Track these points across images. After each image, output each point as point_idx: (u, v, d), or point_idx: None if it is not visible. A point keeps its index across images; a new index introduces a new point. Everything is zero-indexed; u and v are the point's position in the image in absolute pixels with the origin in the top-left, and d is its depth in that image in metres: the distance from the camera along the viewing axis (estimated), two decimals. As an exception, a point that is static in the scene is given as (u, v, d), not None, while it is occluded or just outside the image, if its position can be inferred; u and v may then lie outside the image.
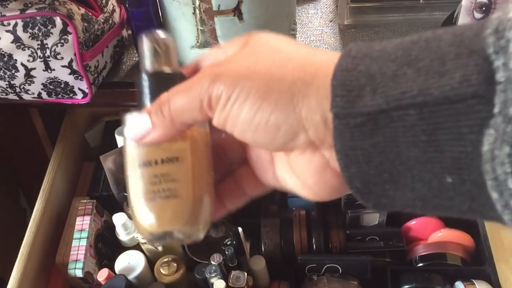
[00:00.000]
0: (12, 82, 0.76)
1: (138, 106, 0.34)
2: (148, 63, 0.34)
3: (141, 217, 0.32)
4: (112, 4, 0.83)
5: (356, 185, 0.28)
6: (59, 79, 0.76)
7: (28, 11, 0.71)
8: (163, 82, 0.33)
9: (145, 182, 0.32)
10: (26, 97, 0.79)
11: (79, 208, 0.85)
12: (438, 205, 0.27)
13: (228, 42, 0.33)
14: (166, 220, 0.32)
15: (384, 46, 0.27)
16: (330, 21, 0.91)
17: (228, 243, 0.81)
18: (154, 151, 0.32)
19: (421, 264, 0.87)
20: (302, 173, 0.30)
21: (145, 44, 0.35)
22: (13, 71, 0.75)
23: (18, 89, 0.77)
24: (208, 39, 0.77)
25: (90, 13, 0.76)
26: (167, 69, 0.34)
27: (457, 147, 0.24)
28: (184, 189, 0.32)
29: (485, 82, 0.23)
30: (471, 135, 0.24)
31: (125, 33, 0.88)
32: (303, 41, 0.87)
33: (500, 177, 0.23)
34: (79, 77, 0.76)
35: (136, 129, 0.32)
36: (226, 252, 0.78)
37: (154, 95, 0.33)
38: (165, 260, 0.81)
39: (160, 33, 0.35)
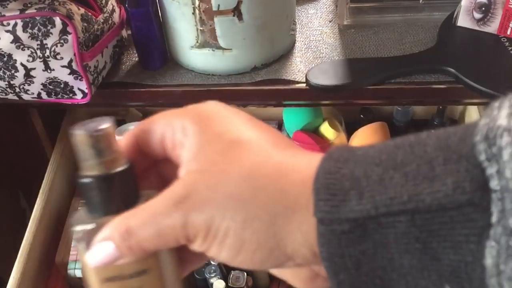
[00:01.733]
0: (11, 82, 0.76)
1: (89, 211, 0.31)
2: (89, 166, 0.30)
3: None
4: (112, 4, 0.83)
5: None
6: (58, 79, 0.76)
7: (28, 11, 0.71)
8: (115, 183, 0.30)
9: None
10: (25, 97, 0.79)
11: (79, 208, 0.85)
12: None
13: (174, 117, 0.30)
14: None
15: (366, 151, 0.26)
16: (330, 21, 0.91)
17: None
18: (120, 266, 0.30)
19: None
20: (292, 280, 0.31)
21: (82, 144, 0.30)
22: (12, 71, 0.75)
23: (17, 89, 0.77)
24: (208, 39, 0.77)
25: (89, 13, 0.76)
26: (113, 166, 0.30)
27: (455, 256, 0.24)
28: None
29: (479, 190, 0.23)
30: (469, 245, 0.23)
31: (124, 33, 0.88)
32: (302, 41, 0.87)
33: None
34: (79, 77, 0.76)
35: (101, 257, 0.29)
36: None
37: (108, 201, 0.30)
38: (165, 260, 0.81)
39: (94, 125, 0.30)
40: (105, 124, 0.30)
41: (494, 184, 0.22)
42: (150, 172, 0.33)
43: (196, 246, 0.28)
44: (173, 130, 0.29)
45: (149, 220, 0.28)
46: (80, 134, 0.30)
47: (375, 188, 0.25)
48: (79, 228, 0.30)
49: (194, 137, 0.29)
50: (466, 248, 0.23)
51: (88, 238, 0.30)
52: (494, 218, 0.22)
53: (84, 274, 0.32)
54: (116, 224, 0.28)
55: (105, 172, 0.30)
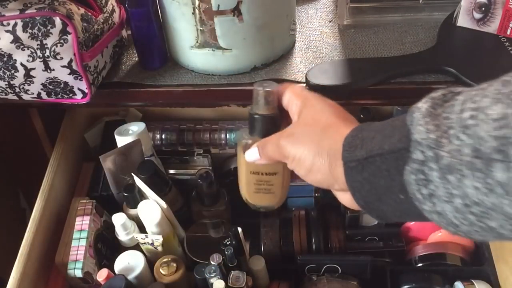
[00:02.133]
0: (11, 82, 0.76)
1: (250, 132, 0.59)
2: (257, 108, 0.58)
3: (249, 199, 0.62)
4: (112, 4, 0.83)
5: (361, 204, 0.48)
6: (58, 79, 0.76)
7: (28, 11, 0.71)
8: (268, 121, 0.58)
9: (254, 182, 0.60)
10: (25, 97, 0.79)
11: (79, 208, 0.85)
12: (403, 215, 0.46)
13: (294, 96, 0.57)
14: (263, 203, 0.62)
15: (375, 124, 0.48)
16: (330, 21, 0.91)
17: (228, 243, 0.81)
18: (262, 166, 0.59)
19: (420, 264, 0.87)
20: (342, 199, 0.53)
21: (256, 94, 0.58)
22: (12, 71, 0.75)
23: (17, 89, 0.77)
24: (208, 39, 0.77)
25: (89, 13, 0.76)
26: (269, 112, 0.58)
27: (400, 177, 0.42)
28: (277, 190, 0.61)
29: (407, 141, 0.42)
30: (403, 167, 0.42)
31: (124, 33, 0.88)
32: (302, 41, 0.87)
33: (411, 192, 0.42)
34: (79, 77, 0.76)
35: (251, 156, 0.58)
36: (226, 252, 0.79)
37: (262, 129, 0.58)
38: (165, 260, 0.81)
39: (268, 85, 0.58)
40: (273, 86, 0.58)
41: (412, 137, 0.41)
42: (283, 117, 0.58)
43: (289, 164, 0.54)
44: (293, 103, 0.56)
45: (271, 142, 0.55)
46: (259, 89, 0.57)
47: (368, 143, 0.46)
48: (243, 140, 0.59)
49: (300, 113, 0.55)
50: (401, 169, 0.42)
51: (246, 146, 0.58)
52: (411, 155, 0.41)
53: (238, 168, 0.62)
54: (260, 142, 0.57)
55: (266, 113, 0.58)
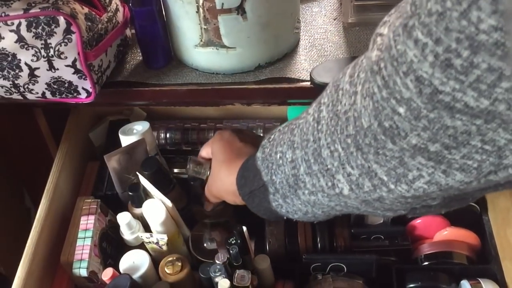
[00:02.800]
0: (16, 82, 0.76)
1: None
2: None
3: None
4: (116, 3, 0.83)
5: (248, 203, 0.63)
6: (63, 78, 0.76)
7: (32, 11, 0.71)
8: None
9: None
10: (30, 96, 0.79)
11: (84, 207, 0.85)
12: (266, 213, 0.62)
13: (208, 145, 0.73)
14: None
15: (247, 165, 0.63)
16: (334, 19, 0.91)
17: (233, 242, 0.81)
18: None
19: (426, 263, 0.87)
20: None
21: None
22: (17, 71, 0.75)
23: (22, 89, 0.77)
24: (212, 37, 0.77)
25: (93, 13, 0.76)
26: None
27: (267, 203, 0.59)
28: None
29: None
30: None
31: (128, 32, 0.88)
32: (307, 39, 0.86)
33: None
34: (83, 77, 0.76)
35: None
36: (231, 251, 0.78)
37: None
38: (170, 259, 0.81)
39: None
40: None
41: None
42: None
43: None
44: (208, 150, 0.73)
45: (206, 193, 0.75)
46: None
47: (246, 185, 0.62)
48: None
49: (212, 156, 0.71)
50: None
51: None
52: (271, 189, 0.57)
53: None
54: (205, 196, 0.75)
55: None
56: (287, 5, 0.79)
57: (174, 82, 0.82)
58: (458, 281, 0.83)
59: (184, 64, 0.84)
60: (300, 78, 0.79)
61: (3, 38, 0.72)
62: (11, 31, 0.71)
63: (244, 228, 0.80)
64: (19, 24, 0.71)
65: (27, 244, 0.79)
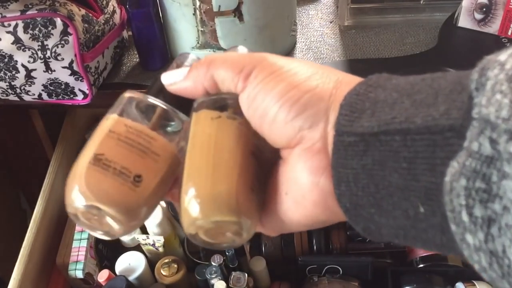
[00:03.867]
0: (12, 83, 0.76)
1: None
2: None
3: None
4: (113, 5, 0.83)
5: (345, 204, 0.29)
6: (59, 80, 0.76)
7: (29, 12, 0.71)
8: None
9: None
10: (26, 98, 0.79)
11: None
12: (416, 237, 0.27)
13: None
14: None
15: (399, 80, 0.29)
16: (331, 22, 0.91)
17: (229, 244, 0.81)
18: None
19: (421, 265, 0.87)
20: (299, 176, 0.30)
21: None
22: (13, 72, 0.75)
23: (18, 90, 0.77)
24: (209, 40, 0.77)
25: (90, 14, 0.76)
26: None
27: (430, 178, 0.25)
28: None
29: (463, 117, 0.24)
30: (442, 167, 0.24)
31: (125, 34, 0.88)
32: (303, 42, 0.87)
33: (456, 209, 0.23)
34: (80, 78, 0.76)
35: (174, 73, 0.35)
36: (227, 253, 0.78)
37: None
38: (166, 261, 0.81)
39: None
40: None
41: (474, 112, 0.23)
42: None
43: (251, 86, 0.31)
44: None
45: (229, 54, 0.34)
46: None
47: (385, 110, 0.27)
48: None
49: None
50: (439, 170, 0.24)
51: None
52: (465, 143, 0.23)
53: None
54: (202, 59, 0.34)
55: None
56: (283, 8, 0.79)
57: (171, 84, 0.82)
58: (453, 283, 0.83)
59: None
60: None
61: (0, 39, 0.72)
62: (8, 32, 0.71)
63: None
64: (16, 25, 0.71)
65: (23, 246, 0.79)
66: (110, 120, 0.34)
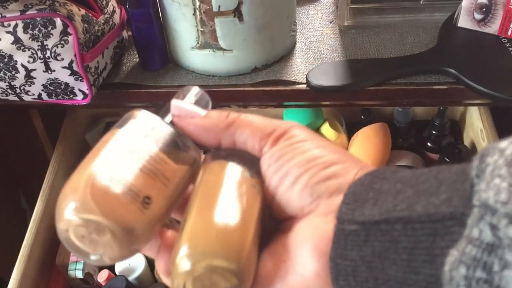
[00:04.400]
0: (12, 83, 0.76)
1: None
2: None
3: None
4: (113, 5, 0.83)
5: None
6: (59, 80, 0.76)
7: (28, 12, 0.71)
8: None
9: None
10: (26, 98, 0.79)
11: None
12: None
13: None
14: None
15: (405, 172, 0.29)
16: (330, 22, 0.91)
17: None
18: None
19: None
20: (306, 262, 0.29)
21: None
22: (13, 72, 0.75)
23: (18, 90, 0.77)
24: (209, 40, 0.77)
25: (90, 14, 0.76)
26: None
27: (429, 270, 0.24)
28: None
29: (464, 205, 0.23)
30: (442, 258, 0.23)
31: (125, 34, 0.88)
32: (303, 42, 0.87)
33: None
34: (80, 78, 0.76)
35: (186, 107, 0.34)
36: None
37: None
38: (165, 261, 0.81)
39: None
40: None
41: (475, 199, 0.23)
42: None
43: (282, 143, 0.32)
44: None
45: (258, 117, 0.33)
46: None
47: (388, 199, 0.27)
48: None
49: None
50: (439, 261, 0.23)
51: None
52: (466, 231, 0.23)
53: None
54: (224, 113, 0.34)
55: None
56: (283, 8, 0.79)
57: (171, 84, 0.82)
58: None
59: (181, 66, 0.85)
60: (297, 81, 0.79)
61: (0, 39, 0.72)
62: (7, 32, 0.71)
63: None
64: (16, 25, 0.71)
65: (23, 246, 0.79)
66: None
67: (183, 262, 0.28)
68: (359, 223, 0.27)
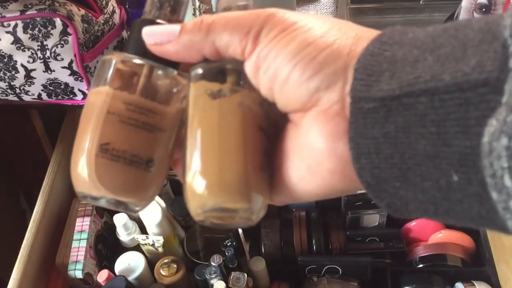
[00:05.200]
0: (12, 83, 0.76)
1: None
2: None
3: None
4: (112, 5, 0.83)
5: (367, 179, 0.25)
6: (59, 80, 0.76)
7: (28, 12, 0.71)
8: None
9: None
10: (26, 98, 0.79)
11: (79, 209, 0.85)
12: (449, 210, 0.24)
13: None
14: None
15: (417, 33, 0.26)
16: (330, 22, 0.91)
17: (228, 244, 0.81)
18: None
19: (421, 265, 0.87)
20: (314, 142, 0.27)
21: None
22: (13, 72, 0.75)
23: (18, 90, 0.77)
24: (208, 40, 0.77)
25: (90, 14, 0.76)
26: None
27: (464, 141, 0.22)
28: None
29: (498, 69, 0.21)
30: (477, 128, 0.21)
31: (125, 34, 0.88)
32: (303, 42, 0.87)
33: (498, 173, 0.20)
34: (79, 78, 0.76)
35: (159, 32, 0.31)
36: (226, 253, 0.78)
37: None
38: (165, 261, 0.81)
39: None
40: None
41: (511, 62, 0.20)
42: None
43: (261, 46, 0.28)
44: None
45: (232, 14, 0.29)
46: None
47: (406, 69, 0.24)
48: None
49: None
50: (474, 131, 0.21)
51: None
52: (504, 98, 0.20)
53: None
54: (198, 20, 0.29)
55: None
56: (283, 8, 0.79)
57: (170, 84, 0.82)
58: (453, 283, 0.83)
59: (181, 66, 0.85)
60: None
61: (0, 39, 0.72)
62: (7, 32, 0.71)
63: (240, 230, 0.80)
64: (16, 25, 0.71)
65: (22, 246, 0.79)
66: (103, 96, 0.31)
67: (192, 213, 0.29)
68: (377, 100, 0.24)
